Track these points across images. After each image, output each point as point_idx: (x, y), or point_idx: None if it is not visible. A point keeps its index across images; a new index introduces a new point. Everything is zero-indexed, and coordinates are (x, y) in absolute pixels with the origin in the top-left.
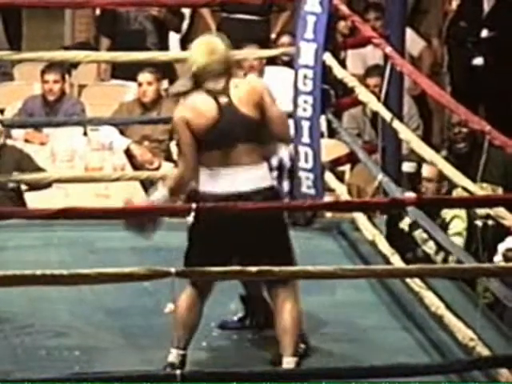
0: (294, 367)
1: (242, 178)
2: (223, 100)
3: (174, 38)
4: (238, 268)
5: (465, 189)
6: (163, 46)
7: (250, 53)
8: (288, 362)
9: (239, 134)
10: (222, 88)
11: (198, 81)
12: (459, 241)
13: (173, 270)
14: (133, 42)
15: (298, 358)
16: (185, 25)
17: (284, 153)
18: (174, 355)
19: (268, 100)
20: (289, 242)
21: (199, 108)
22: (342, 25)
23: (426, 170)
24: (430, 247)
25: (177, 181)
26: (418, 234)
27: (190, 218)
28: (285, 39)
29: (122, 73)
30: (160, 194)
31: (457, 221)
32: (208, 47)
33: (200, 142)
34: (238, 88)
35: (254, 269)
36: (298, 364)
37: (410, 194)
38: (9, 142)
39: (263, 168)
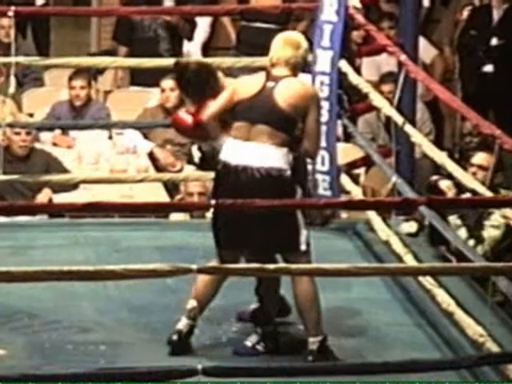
0: (311, 363)
1: (256, 153)
2: (270, 84)
3: (195, 46)
4: (257, 265)
5: (475, 191)
6: (176, 52)
7: (267, 60)
8: (313, 343)
9: (263, 115)
10: (279, 76)
11: (270, 64)
12: (495, 233)
13: (194, 267)
14: (147, 49)
15: (323, 337)
16: (206, 33)
17: None
18: (183, 323)
19: (312, 110)
20: (296, 223)
21: (249, 84)
22: (355, 34)
23: (480, 158)
24: (462, 233)
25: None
26: (453, 219)
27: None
28: None
29: (141, 79)
30: None
31: (498, 214)
32: (289, 39)
33: (233, 110)
34: (289, 83)
35: (272, 266)
36: (323, 342)
37: (446, 181)
38: (37, 145)
39: (278, 151)
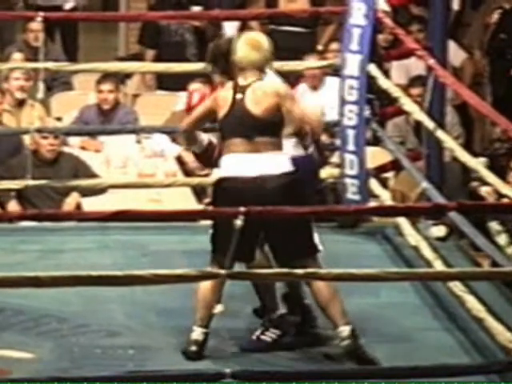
0: (341, 367)
1: (264, 162)
2: (239, 97)
3: None
4: (285, 270)
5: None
6: (202, 56)
7: (297, 64)
8: (344, 331)
9: (247, 127)
10: (245, 85)
11: (233, 71)
12: None
13: (223, 272)
14: (174, 54)
15: (352, 326)
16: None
17: None
18: (198, 333)
19: (287, 103)
20: (311, 226)
21: (222, 98)
22: (380, 38)
23: None
24: (502, 239)
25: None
26: (493, 225)
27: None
28: (334, 46)
29: (168, 84)
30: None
31: None
32: (252, 41)
33: (219, 127)
34: (255, 90)
35: (300, 271)
36: (353, 330)
37: (486, 187)
38: (66, 149)
39: (281, 156)
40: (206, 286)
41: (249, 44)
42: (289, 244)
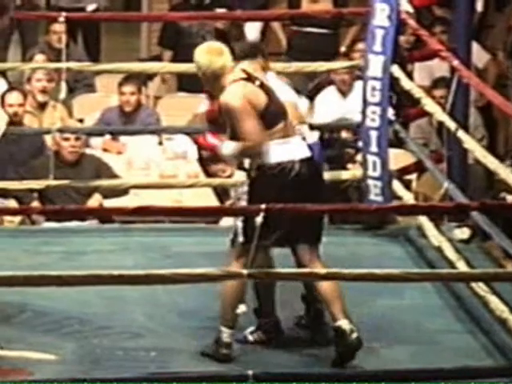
0: (363, 369)
1: (303, 145)
2: (258, 83)
3: None
4: (307, 270)
5: None
6: None
7: (320, 65)
8: (343, 324)
9: (283, 106)
10: (247, 74)
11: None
12: None
13: (245, 271)
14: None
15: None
16: (256, 38)
17: None
18: (227, 335)
19: None
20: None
21: (251, 90)
22: (402, 39)
23: None
24: None
25: (247, 148)
26: None
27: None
28: (360, 46)
29: (188, 85)
30: (231, 149)
31: None
32: (216, 50)
33: (262, 119)
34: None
35: (323, 271)
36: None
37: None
38: (88, 150)
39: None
40: (231, 286)
41: (211, 52)
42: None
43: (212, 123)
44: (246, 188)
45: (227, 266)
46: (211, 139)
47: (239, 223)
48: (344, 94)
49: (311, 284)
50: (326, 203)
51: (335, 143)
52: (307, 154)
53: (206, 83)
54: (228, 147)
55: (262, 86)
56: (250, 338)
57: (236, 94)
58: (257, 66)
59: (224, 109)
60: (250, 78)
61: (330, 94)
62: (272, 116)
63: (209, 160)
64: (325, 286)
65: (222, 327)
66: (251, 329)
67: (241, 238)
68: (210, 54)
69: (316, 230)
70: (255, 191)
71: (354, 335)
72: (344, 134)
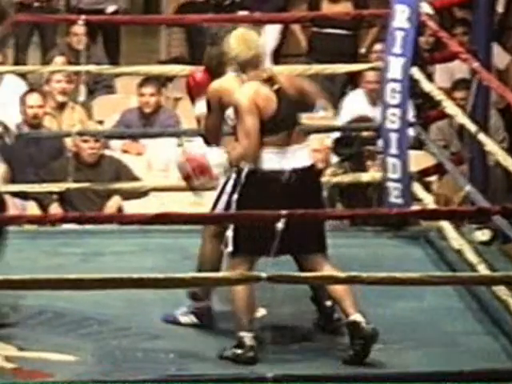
0: (383, 371)
1: (300, 155)
2: (275, 87)
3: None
4: (327, 273)
5: None
6: None
7: (339, 67)
8: (357, 317)
9: (294, 118)
10: (269, 76)
11: (243, 71)
12: None
13: (264, 275)
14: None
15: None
16: (276, 40)
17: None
18: (249, 338)
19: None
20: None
21: (263, 94)
22: (422, 40)
23: None
24: None
25: (239, 157)
26: None
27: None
28: (378, 47)
29: None
30: (221, 163)
31: None
32: (248, 40)
33: (264, 125)
34: (282, 76)
35: (343, 274)
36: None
37: None
38: (107, 152)
39: (305, 148)
40: (242, 289)
41: (245, 41)
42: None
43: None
44: (229, 183)
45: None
46: (199, 76)
47: (229, 232)
48: (374, 103)
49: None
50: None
51: (355, 141)
52: (303, 163)
53: (219, 67)
54: (199, 108)
55: (279, 91)
56: (181, 319)
57: (247, 94)
58: None
59: (234, 106)
60: (269, 80)
61: (358, 101)
62: (276, 124)
63: None
64: (335, 287)
65: (241, 333)
66: (183, 310)
67: (230, 248)
68: (244, 43)
69: (321, 239)
70: (244, 196)
71: (370, 326)
72: (364, 132)
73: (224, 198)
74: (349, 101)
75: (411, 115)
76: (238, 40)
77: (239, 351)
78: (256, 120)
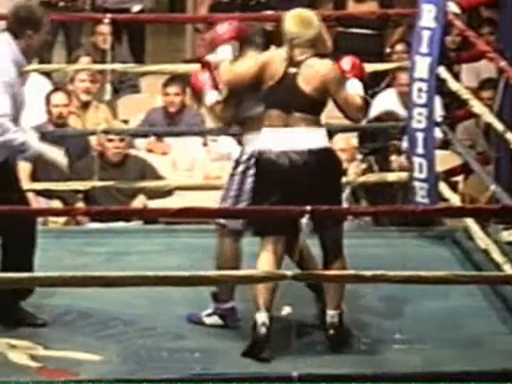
0: (407, 370)
1: (298, 138)
2: (292, 70)
3: None
4: (353, 272)
5: None
6: None
7: (365, 66)
8: (332, 316)
9: (293, 104)
10: (300, 61)
11: (289, 46)
12: None
13: (289, 273)
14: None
15: (340, 312)
16: None
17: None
18: (263, 316)
19: (336, 85)
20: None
21: (272, 68)
22: (448, 40)
23: None
24: None
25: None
26: None
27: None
28: (399, 47)
29: None
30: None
31: None
32: (305, 20)
33: (262, 95)
34: (310, 66)
35: (368, 273)
36: (340, 316)
37: None
38: (132, 151)
39: (318, 132)
40: (263, 286)
41: (301, 22)
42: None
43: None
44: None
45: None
46: (203, 77)
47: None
48: (406, 104)
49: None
50: (317, 200)
51: (380, 135)
52: (300, 146)
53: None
54: (210, 98)
55: (295, 74)
56: (206, 320)
57: (263, 55)
58: None
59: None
60: (290, 58)
61: (390, 100)
62: (272, 97)
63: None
64: None
65: (257, 312)
66: (208, 311)
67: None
68: (302, 24)
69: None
70: (255, 179)
71: (263, 330)
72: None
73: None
74: (380, 99)
75: (440, 114)
76: (295, 21)
77: (253, 330)
78: (251, 70)
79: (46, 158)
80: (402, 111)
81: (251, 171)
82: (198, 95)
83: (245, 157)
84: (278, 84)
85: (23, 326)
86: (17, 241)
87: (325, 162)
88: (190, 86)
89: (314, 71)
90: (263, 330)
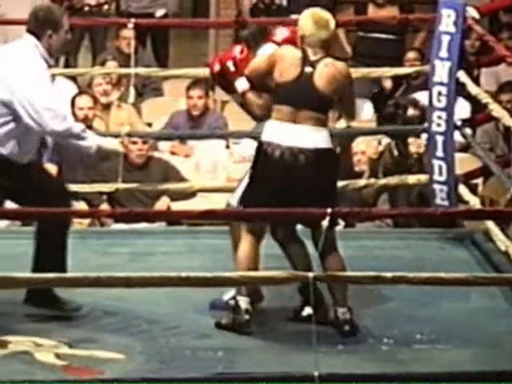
0: (428, 370)
1: (304, 135)
2: (308, 70)
3: None
4: (373, 274)
5: None
6: None
7: (385, 71)
8: (344, 312)
9: (307, 102)
10: (315, 60)
11: (303, 44)
12: None
13: (311, 274)
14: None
15: (349, 308)
16: None
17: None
18: (245, 302)
19: (347, 86)
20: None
21: (288, 66)
22: (467, 44)
23: None
24: None
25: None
26: None
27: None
28: (410, 55)
29: None
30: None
31: None
32: (320, 20)
33: (274, 89)
34: (326, 66)
35: (389, 275)
36: (350, 312)
37: None
38: (156, 154)
39: (323, 132)
40: (244, 253)
41: (317, 22)
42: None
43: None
44: None
45: None
46: (237, 52)
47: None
48: None
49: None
50: (310, 200)
51: (398, 118)
52: (302, 144)
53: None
54: (242, 83)
55: (312, 74)
56: (232, 303)
57: (279, 49)
58: None
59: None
60: (305, 57)
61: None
62: (287, 95)
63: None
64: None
65: (238, 296)
66: (230, 295)
67: None
68: (317, 24)
69: None
70: (254, 169)
71: (244, 318)
72: (411, 111)
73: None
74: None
75: (465, 116)
76: (310, 19)
77: (235, 315)
78: (263, 66)
79: (103, 148)
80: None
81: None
82: (225, 82)
83: None
84: (294, 82)
85: (58, 311)
86: (51, 241)
87: (325, 163)
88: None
89: (333, 71)
90: (246, 316)
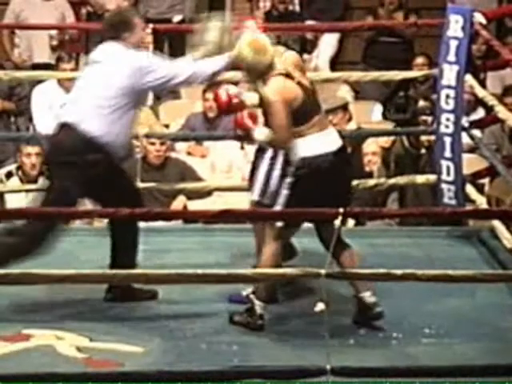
0: (435, 364)
1: (332, 137)
2: (296, 80)
3: (323, 61)
4: (383, 271)
5: None
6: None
7: (394, 74)
8: (370, 296)
9: (317, 102)
10: (287, 70)
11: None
12: None
13: (323, 271)
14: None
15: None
16: (334, 48)
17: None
18: (261, 307)
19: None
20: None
21: (290, 86)
22: (474, 48)
23: None
24: None
25: (277, 140)
26: None
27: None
28: (419, 60)
29: None
30: (263, 135)
31: None
32: (264, 49)
33: (298, 114)
34: (295, 67)
35: (398, 271)
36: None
37: None
38: (173, 154)
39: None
40: (270, 259)
41: (258, 50)
42: None
43: (241, 129)
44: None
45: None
46: (247, 121)
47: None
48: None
49: None
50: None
51: (408, 108)
52: (340, 143)
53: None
54: (261, 133)
55: (299, 83)
56: (252, 297)
57: (275, 89)
58: None
59: (264, 100)
60: (288, 75)
61: None
62: (308, 110)
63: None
64: (346, 264)
65: (255, 300)
66: (249, 290)
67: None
68: (258, 53)
69: None
70: (299, 185)
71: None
72: (421, 103)
73: (276, 173)
74: None
75: (478, 117)
76: (251, 49)
77: (250, 319)
78: (285, 113)
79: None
80: None
81: (289, 179)
82: (245, 132)
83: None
84: (307, 95)
85: (138, 301)
86: (122, 239)
87: (349, 158)
88: (237, 127)
89: (300, 68)
90: (260, 322)
